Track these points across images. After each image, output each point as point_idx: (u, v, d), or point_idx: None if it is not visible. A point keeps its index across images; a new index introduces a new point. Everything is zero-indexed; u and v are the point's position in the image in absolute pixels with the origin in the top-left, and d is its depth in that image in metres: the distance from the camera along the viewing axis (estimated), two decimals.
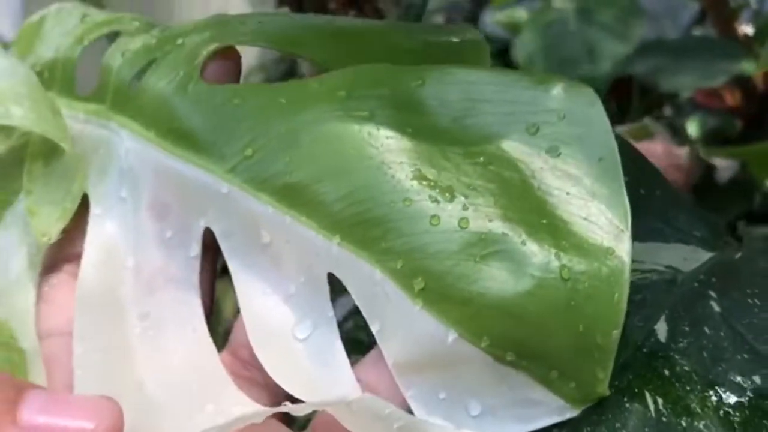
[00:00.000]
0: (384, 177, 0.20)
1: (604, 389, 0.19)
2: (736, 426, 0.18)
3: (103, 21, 0.26)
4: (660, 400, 0.19)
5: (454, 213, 0.20)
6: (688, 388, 0.19)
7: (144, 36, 0.25)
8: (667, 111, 1.01)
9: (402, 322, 0.20)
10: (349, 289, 0.21)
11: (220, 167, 0.22)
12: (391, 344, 0.21)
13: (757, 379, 0.19)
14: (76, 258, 0.24)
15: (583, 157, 0.20)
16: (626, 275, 0.19)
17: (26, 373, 0.23)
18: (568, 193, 0.20)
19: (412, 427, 0.19)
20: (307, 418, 0.23)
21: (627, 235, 0.19)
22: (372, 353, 0.22)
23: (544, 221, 0.20)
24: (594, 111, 0.20)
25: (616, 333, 0.19)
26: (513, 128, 0.20)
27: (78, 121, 0.25)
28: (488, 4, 1.06)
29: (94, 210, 0.24)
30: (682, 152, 0.59)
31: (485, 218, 0.20)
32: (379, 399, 0.19)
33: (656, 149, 0.41)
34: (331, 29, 0.25)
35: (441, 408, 0.20)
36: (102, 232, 0.24)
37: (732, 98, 0.97)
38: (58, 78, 0.26)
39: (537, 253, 0.19)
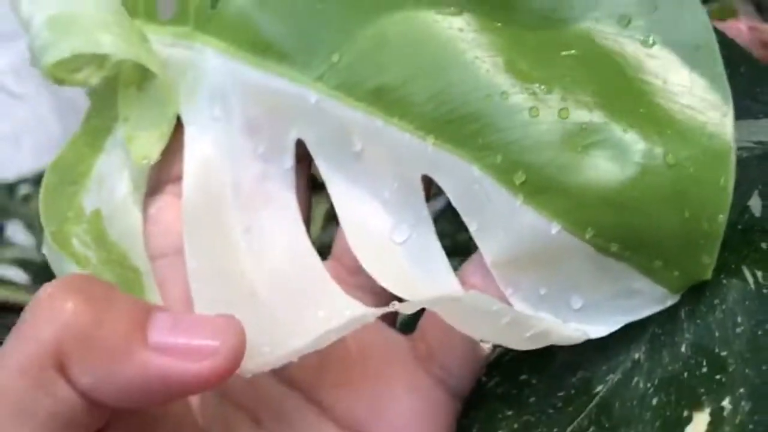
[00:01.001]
0: (478, 72, 0.20)
1: (708, 275, 0.19)
2: None
3: None
4: (759, 273, 0.19)
5: (552, 104, 0.20)
6: None
7: None
8: None
9: (502, 219, 0.20)
10: (444, 189, 0.21)
11: (307, 76, 0.22)
12: (490, 243, 0.21)
13: None
14: (178, 178, 0.25)
15: (680, 47, 0.20)
16: (732, 158, 0.19)
17: (142, 291, 0.23)
18: (665, 81, 0.20)
19: (520, 321, 0.20)
20: (413, 321, 0.24)
21: (730, 119, 0.19)
22: (473, 257, 0.22)
23: (644, 110, 0.19)
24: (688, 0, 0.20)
25: (723, 217, 0.19)
26: (605, 22, 0.20)
27: (165, 45, 0.25)
28: None
29: (189, 130, 0.25)
30: None
31: (585, 108, 0.19)
32: (486, 295, 0.19)
33: (740, 27, 0.40)
34: None
35: (543, 304, 0.21)
36: (199, 152, 0.24)
37: None
38: (141, 5, 0.26)
39: (640, 141, 0.19)
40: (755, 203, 0.21)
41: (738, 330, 0.19)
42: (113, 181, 0.25)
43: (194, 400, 0.22)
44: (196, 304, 0.22)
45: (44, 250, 0.23)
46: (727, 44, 0.24)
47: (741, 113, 0.23)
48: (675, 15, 0.20)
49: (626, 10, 0.20)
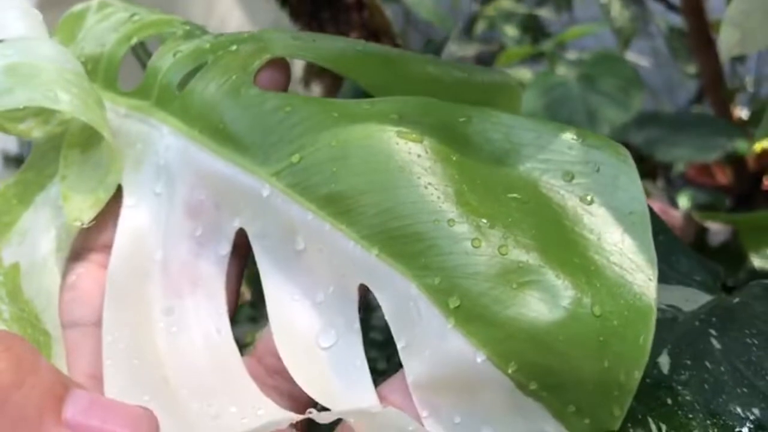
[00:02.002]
0: (429, 197, 0.21)
1: (616, 426, 0.20)
2: None
3: (154, 21, 0.27)
4: (663, 426, 0.20)
5: (494, 239, 0.20)
6: (690, 415, 0.20)
7: (197, 40, 0.25)
8: (660, 184, 1.03)
9: (431, 340, 0.20)
10: (380, 301, 0.21)
11: (264, 170, 0.23)
12: (415, 362, 0.21)
13: (756, 411, 0.20)
14: (104, 248, 0.24)
15: (615, 208, 0.21)
16: (653, 320, 0.20)
17: (50, 357, 0.23)
18: (599, 239, 0.21)
19: None
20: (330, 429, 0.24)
21: (654, 283, 0.20)
22: (397, 375, 0.22)
23: (577, 260, 0.20)
24: (627, 167, 0.22)
25: (638, 373, 0.20)
26: (550, 174, 0.22)
27: (118, 116, 0.26)
28: (493, 62, 1.10)
29: (128, 201, 0.24)
30: (678, 213, 0.61)
31: (523, 249, 0.20)
32: (404, 414, 0.19)
33: (654, 206, 0.44)
34: (380, 56, 0.26)
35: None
36: (133, 224, 0.24)
37: (722, 176, 1.00)
38: (101, 72, 0.26)
39: (570, 288, 0.20)
40: (664, 360, 0.22)
41: None
42: (36, 238, 0.24)
43: None
44: (107, 381, 0.22)
45: None
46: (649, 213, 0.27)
47: (658, 277, 0.25)
48: (613, 180, 0.22)
49: (571, 167, 0.22)
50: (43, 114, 0.25)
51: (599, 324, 0.20)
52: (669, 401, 0.21)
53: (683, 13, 0.89)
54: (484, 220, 0.21)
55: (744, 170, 0.90)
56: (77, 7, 0.29)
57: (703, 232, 0.59)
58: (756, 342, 0.22)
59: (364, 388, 0.22)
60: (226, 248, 0.24)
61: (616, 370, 0.20)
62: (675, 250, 0.26)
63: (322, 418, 0.19)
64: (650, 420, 0.21)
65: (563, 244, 0.21)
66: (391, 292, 0.21)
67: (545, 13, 1.36)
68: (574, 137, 0.22)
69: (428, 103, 0.23)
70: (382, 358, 0.30)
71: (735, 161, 0.89)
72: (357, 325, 0.22)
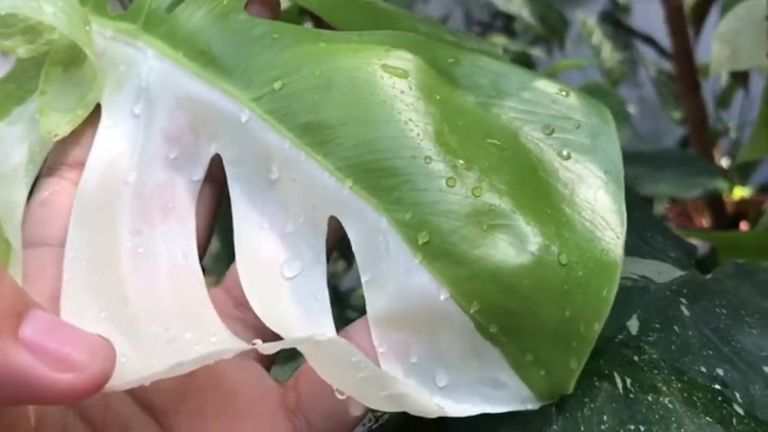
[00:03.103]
0: (409, 132, 0.21)
1: (570, 385, 0.20)
2: (699, 405, 0.19)
3: None
4: (628, 380, 0.20)
5: (468, 180, 0.20)
6: (655, 371, 0.20)
7: None
8: None
9: (396, 274, 0.20)
10: (349, 234, 0.21)
11: (245, 95, 0.22)
12: (378, 296, 0.21)
13: (720, 371, 0.21)
14: (79, 165, 0.24)
15: (592, 166, 0.21)
16: (617, 275, 0.20)
17: (6, 266, 0.22)
18: (573, 193, 0.21)
19: (377, 378, 0.19)
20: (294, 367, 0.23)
21: (621, 243, 0.21)
22: (365, 316, 0.21)
23: (549, 211, 0.21)
24: (607, 128, 0.22)
25: (598, 326, 0.20)
26: (531, 125, 0.22)
27: (104, 38, 0.25)
28: None
29: (105, 122, 0.24)
30: None
31: (497, 193, 0.20)
32: (349, 344, 0.19)
33: None
34: (371, 7, 0.26)
35: (410, 372, 0.21)
36: (109, 144, 0.24)
37: (701, 219, 1.01)
38: None
39: (539, 235, 0.20)
40: (633, 323, 0.22)
41: (603, 427, 0.20)
42: (9, 149, 0.24)
43: None
44: (64, 297, 0.21)
45: None
46: (627, 190, 0.27)
47: (631, 251, 0.26)
48: (593, 139, 0.22)
49: (552, 121, 0.22)
50: (29, 32, 0.25)
51: (564, 272, 0.20)
52: (635, 358, 0.21)
53: (673, 57, 0.91)
54: (461, 161, 0.21)
55: (722, 214, 0.91)
56: None
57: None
58: (725, 312, 0.23)
59: (323, 320, 0.22)
60: (200, 173, 0.24)
61: (577, 321, 0.20)
62: (651, 227, 0.27)
63: (267, 348, 0.19)
64: (615, 374, 0.21)
65: (537, 194, 0.21)
66: (362, 225, 0.21)
67: (537, 52, 1.39)
68: (559, 92, 0.22)
69: (418, 40, 0.23)
70: None
71: (714, 205, 0.90)
72: (323, 258, 0.22)
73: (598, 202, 0.21)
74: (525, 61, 1.34)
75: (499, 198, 0.20)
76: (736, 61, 0.41)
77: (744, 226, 0.90)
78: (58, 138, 0.24)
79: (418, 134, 0.21)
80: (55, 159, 0.24)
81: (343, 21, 0.25)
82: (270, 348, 0.19)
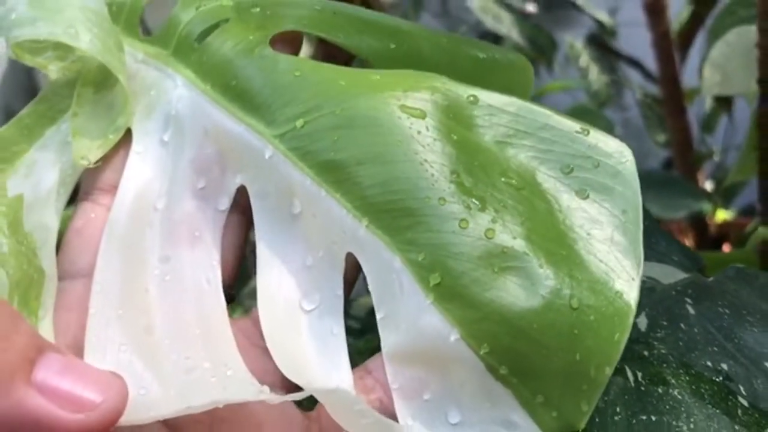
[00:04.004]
0: (424, 174, 0.21)
1: (581, 424, 0.20)
2: (706, 397, 0.20)
3: None
4: (639, 374, 0.21)
5: (482, 222, 0.20)
6: (664, 365, 0.21)
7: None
8: None
9: (409, 313, 0.20)
10: (365, 272, 0.21)
11: (269, 131, 0.23)
12: (391, 333, 0.21)
13: (725, 366, 0.22)
14: (112, 189, 0.24)
15: (610, 206, 0.21)
16: (630, 319, 0.20)
17: (39, 296, 0.22)
18: (589, 234, 0.21)
19: (379, 425, 0.19)
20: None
21: (636, 284, 0.20)
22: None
23: (563, 252, 0.20)
24: (626, 167, 0.22)
25: (609, 370, 0.19)
26: (549, 164, 0.22)
27: (135, 60, 0.26)
28: None
29: (136, 147, 0.24)
30: None
31: (510, 234, 0.20)
32: (351, 394, 0.19)
33: None
34: (391, 27, 0.26)
35: (423, 409, 0.21)
36: (139, 171, 0.24)
37: (684, 240, 1.04)
38: (123, 16, 0.26)
39: (551, 278, 0.20)
40: (642, 321, 0.23)
41: (616, 418, 0.21)
42: (43, 172, 0.24)
43: None
44: (89, 330, 0.21)
45: None
46: None
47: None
48: (612, 178, 0.21)
49: (571, 160, 0.22)
50: (61, 48, 0.25)
51: (575, 316, 0.20)
52: (645, 353, 0.22)
53: (659, 81, 0.93)
54: (476, 202, 0.21)
55: (706, 236, 0.94)
56: None
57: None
58: (727, 312, 0.24)
59: (338, 356, 0.22)
60: (225, 203, 0.24)
61: (587, 364, 0.19)
62: (655, 233, 0.28)
63: (273, 399, 0.19)
64: (627, 369, 0.22)
65: (551, 234, 0.21)
66: (377, 263, 0.21)
67: None
68: (579, 130, 0.22)
69: (437, 79, 0.23)
70: (357, 347, 0.31)
71: (698, 227, 0.92)
72: (340, 292, 0.22)
73: (614, 244, 0.21)
74: None
75: (512, 239, 0.20)
76: (726, 86, 0.43)
77: (726, 247, 0.92)
78: (89, 166, 0.24)
79: (434, 175, 0.21)
80: (89, 183, 0.24)
81: (369, 49, 0.25)
82: (276, 398, 0.19)
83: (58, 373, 0.17)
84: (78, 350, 0.21)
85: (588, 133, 0.22)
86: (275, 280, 0.22)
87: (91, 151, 0.24)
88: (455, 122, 0.22)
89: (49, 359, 0.17)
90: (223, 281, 0.23)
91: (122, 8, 0.27)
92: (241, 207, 0.24)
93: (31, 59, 0.25)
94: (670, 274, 0.26)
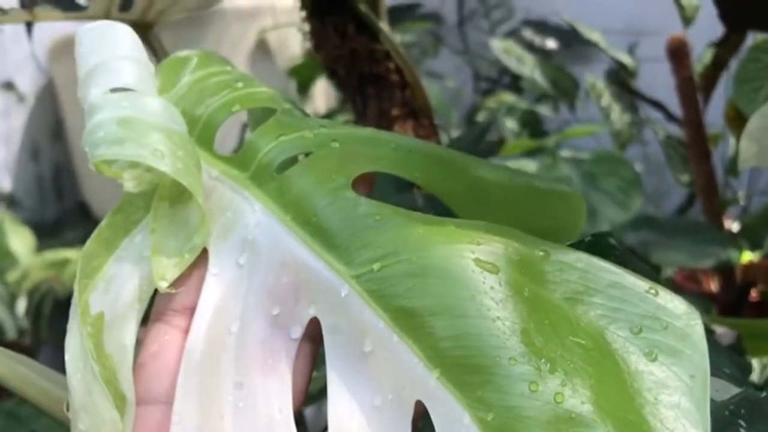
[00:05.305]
0: (495, 331, 0.21)
1: None
2: None
3: (258, 94, 0.28)
4: None
5: (552, 385, 0.20)
6: None
7: (303, 131, 0.26)
8: None
9: None
10: (434, 421, 0.21)
11: (346, 270, 0.23)
12: None
13: None
14: (185, 311, 0.24)
15: (678, 370, 0.21)
16: None
17: (122, 419, 0.22)
18: (656, 399, 0.20)
19: None
20: None
21: None
22: None
23: (631, 418, 0.20)
24: (695, 330, 0.22)
25: None
26: (618, 324, 0.22)
27: (210, 177, 0.26)
28: (493, 151, 1.14)
29: (212, 269, 0.24)
30: None
31: (579, 399, 0.20)
32: None
33: None
34: (436, 156, 0.27)
35: None
36: (215, 293, 0.24)
37: (709, 284, 1.03)
38: (198, 129, 0.27)
39: None
40: None
41: None
42: (120, 287, 0.24)
43: None
44: None
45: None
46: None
47: None
48: (681, 340, 0.21)
49: (640, 321, 0.22)
50: (140, 166, 0.25)
51: None
52: None
53: (683, 124, 0.93)
54: (546, 363, 0.21)
55: (732, 280, 0.93)
56: (179, 55, 0.29)
57: (709, 334, 0.60)
58: None
59: None
60: (298, 332, 0.24)
61: None
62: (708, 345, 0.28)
63: None
64: None
65: (620, 399, 0.21)
66: (446, 416, 0.21)
67: (544, 109, 1.42)
68: (648, 290, 0.22)
69: (509, 232, 0.23)
70: None
71: (723, 271, 0.92)
72: None
73: (682, 409, 0.20)
74: (533, 119, 1.37)
75: (581, 404, 0.20)
76: (763, 158, 0.43)
77: (754, 293, 0.92)
78: (167, 284, 0.24)
79: (505, 333, 0.21)
80: (162, 303, 0.24)
81: (420, 177, 0.26)
82: None
83: None
84: None
85: (657, 293, 0.22)
86: (346, 415, 0.23)
87: (168, 270, 0.24)
88: (527, 278, 0.22)
89: None
90: (293, 409, 0.23)
91: (197, 121, 0.27)
92: (311, 335, 0.24)
93: (107, 170, 0.25)
94: (722, 389, 0.26)
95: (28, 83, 1.66)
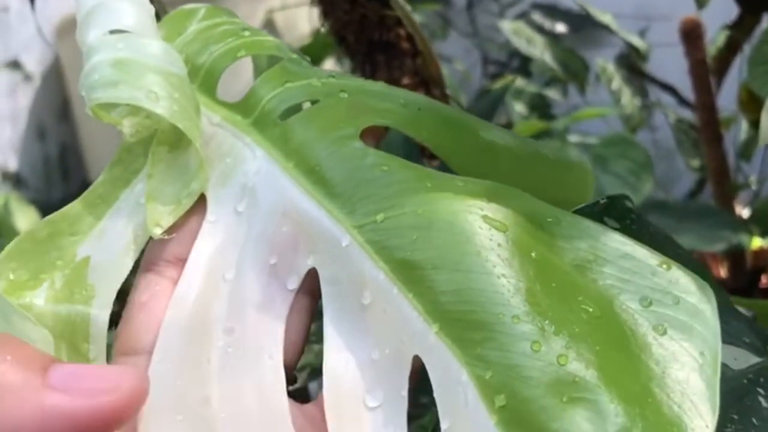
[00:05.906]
0: (500, 288, 0.20)
1: None
2: None
3: (264, 42, 0.27)
4: None
5: (555, 346, 0.20)
6: None
7: (311, 78, 0.25)
8: None
9: (472, 430, 0.20)
10: (431, 377, 0.21)
11: (348, 220, 0.22)
12: None
13: None
14: (178, 261, 0.23)
15: (688, 346, 0.20)
16: None
17: (87, 339, 0.23)
18: (664, 372, 0.20)
19: None
20: None
21: (712, 428, 0.19)
22: None
23: (636, 389, 0.19)
24: (707, 308, 0.21)
25: None
26: (628, 295, 0.21)
27: (211, 123, 0.25)
28: None
29: (209, 216, 0.24)
30: None
31: (583, 363, 0.19)
32: None
33: None
34: (469, 127, 0.26)
35: None
36: (211, 239, 0.23)
37: (719, 269, 1.02)
38: (201, 76, 0.26)
39: (621, 415, 0.19)
40: None
41: None
42: (116, 234, 0.24)
43: None
44: (149, 403, 0.21)
45: None
46: (701, 272, 0.28)
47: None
48: (692, 316, 0.21)
49: (651, 294, 0.21)
50: (137, 109, 0.25)
51: None
52: None
53: (695, 107, 0.92)
54: (550, 324, 0.20)
55: (742, 266, 0.92)
56: (186, 7, 0.28)
57: (729, 303, 0.59)
58: None
59: None
60: (295, 282, 0.23)
61: None
62: (725, 311, 0.27)
63: None
64: None
65: (625, 369, 0.20)
66: (443, 372, 0.20)
67: (553, 93, 1.41)
68: (660, 264, 0.21)
69: (521, 195, 0.23)
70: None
71: (733, 256, 0.91)
72: (405, 393, 0.21)
73: (690, 386, 0.20)
74: (542, 103, 1.36)
75: (585, 369, 0.20)
76: None
77: (764, 279, 0.91)
78: (161, 232, 0.24)
79: (509, 290, 0.20)
80: (154, 253, 0.24)
81: (429, 137, 0.25)
82: None
83: (71, 375, 0.18)
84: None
85: (669, 268, 0.21)
86: (341, 368, 0.22)
87: (163, 217, 0.24)
88: (536, 240, 0.22)
89: (60, 366, 0.18)
90: (287, 362, 0.23)
91: (200, 68, 0.26)
92: (310, 290, 0.23)
93: (105, 116, 0.25)
94: (741, 358, 0.25)
95: (34, 62, 1.64)
